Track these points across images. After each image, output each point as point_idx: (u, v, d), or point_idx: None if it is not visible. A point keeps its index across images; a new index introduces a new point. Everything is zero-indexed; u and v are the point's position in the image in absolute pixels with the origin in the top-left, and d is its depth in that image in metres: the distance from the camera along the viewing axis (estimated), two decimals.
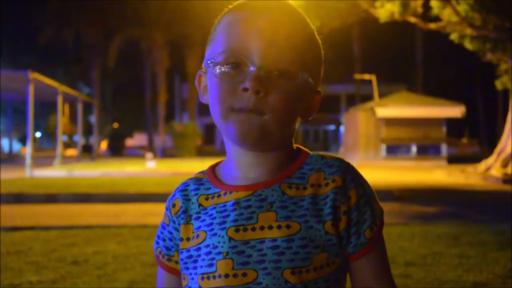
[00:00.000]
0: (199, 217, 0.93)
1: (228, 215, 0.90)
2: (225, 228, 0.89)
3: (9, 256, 5.32)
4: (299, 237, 0.86)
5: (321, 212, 0.88)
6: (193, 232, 0.93)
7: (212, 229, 0.90)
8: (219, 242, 0.88)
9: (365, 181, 0.94)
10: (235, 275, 0.86)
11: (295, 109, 0.90)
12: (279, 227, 0.87)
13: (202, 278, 0.90)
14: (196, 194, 0.96)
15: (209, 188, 0.95)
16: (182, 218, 0.96)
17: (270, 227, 0.87)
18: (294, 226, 0.87)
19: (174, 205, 0.98)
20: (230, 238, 0.88)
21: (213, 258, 0.88)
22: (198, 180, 0.98)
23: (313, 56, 0.93)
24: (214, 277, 0.88)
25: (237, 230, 0.88)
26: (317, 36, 0.96)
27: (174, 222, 0.97)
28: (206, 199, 0.94)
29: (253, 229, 0.87)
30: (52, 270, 4.75)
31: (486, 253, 5.31)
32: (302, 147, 0.97)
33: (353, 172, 0.93)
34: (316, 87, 0.94)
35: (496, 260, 5.02)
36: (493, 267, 4.74)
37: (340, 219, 0.89)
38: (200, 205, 0.94)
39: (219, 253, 0.88)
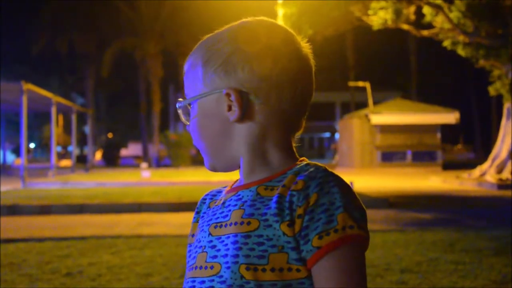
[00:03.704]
0: (203, 217, 1.03)
1: (215, 214, 0.98)
2: (209, 225, 0.97)
3: (2, 269, 5.27)
4: (256, 234, 0.89)
5: (282, 212, 0.89)
6: (197, 229, 1.03)
7: (202, 226, 0.99)
8: (202, 237, 0.97)
9: (338, 192, 0.89)
10: (205, 267, 0.93)
11: (208, 130, 0.98)
12: (242, 223, 0.91)
13: (189, 270, 0.98)
14: (212, 198, 1.05)
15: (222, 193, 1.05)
16: (194, 218, 1.06)
17: (236, 223, 0.92)
18: (253, 223, 0.90)
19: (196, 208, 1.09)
20: (209, 234, 0.95)
21: (196, 251, 0.97)
22: (222, 188, 1.07)
23: (212, 66, 0.96)
24: (192, 268, 0.96)
25: (216, 227, 0.95)
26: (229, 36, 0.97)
27: (192, 223, 1.08)
28: (215, 202, 1.03)
29: (226, 225, 0.94)
30: (46, 282, 4.71)
31: (482, 259, 5.31)
32: (302, 158, 0.99)
33: (324, 180, 0.90)
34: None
35: (491, 266, 5.02)
36: (489, 273, 4.73)
37: (295, 222, 0.88)
38: (208, 207, 1.04)
39: (200, 247, 0.96)
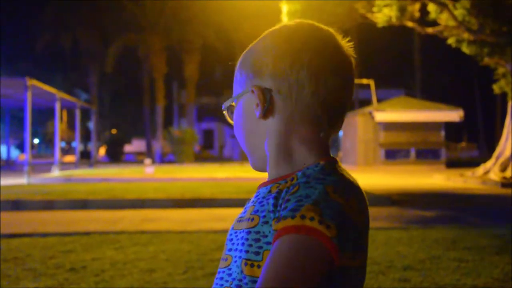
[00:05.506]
0: None
1: (244, 209, 1.00)
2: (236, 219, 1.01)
3: (6, 263, 5.30)
4: (255, 230, 0.90)
5: (276, 208, 0.89)
6: None
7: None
8: (229, 231, 1.00)
9: (322, 189, 0.86)
10: (223, 259, 0.98)
11: (244, 129, 1.02)
12: (248, 219, 0.94)
13: None
14: None
15: None
16: None
17: (247, 219, 0.94)
18: (255, 220, 0.92)
19: None
20: (232, 227, 0.99)
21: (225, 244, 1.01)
22: None
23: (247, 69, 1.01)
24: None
25: (238, 221, 0.98)
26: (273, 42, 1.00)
27: None
28: None
29: (242, 220, 0.96)
30: (50, 277, 4.74)
31: (484, 257, 5.31)
32: (331, 157, 0.97)
33: (315, 177, 0.90)
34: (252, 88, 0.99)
35: (494, 264, 5.02)
36: (491, 271, 4.74)
37: None
38: None
39: (227, 239, 1.00)
